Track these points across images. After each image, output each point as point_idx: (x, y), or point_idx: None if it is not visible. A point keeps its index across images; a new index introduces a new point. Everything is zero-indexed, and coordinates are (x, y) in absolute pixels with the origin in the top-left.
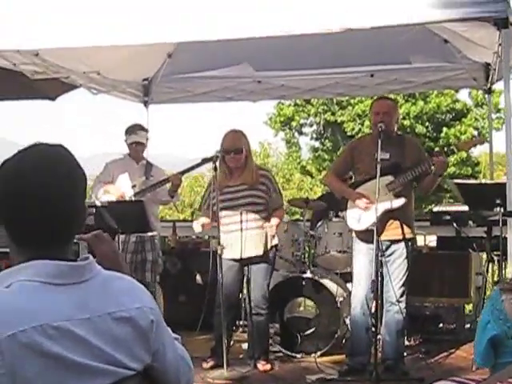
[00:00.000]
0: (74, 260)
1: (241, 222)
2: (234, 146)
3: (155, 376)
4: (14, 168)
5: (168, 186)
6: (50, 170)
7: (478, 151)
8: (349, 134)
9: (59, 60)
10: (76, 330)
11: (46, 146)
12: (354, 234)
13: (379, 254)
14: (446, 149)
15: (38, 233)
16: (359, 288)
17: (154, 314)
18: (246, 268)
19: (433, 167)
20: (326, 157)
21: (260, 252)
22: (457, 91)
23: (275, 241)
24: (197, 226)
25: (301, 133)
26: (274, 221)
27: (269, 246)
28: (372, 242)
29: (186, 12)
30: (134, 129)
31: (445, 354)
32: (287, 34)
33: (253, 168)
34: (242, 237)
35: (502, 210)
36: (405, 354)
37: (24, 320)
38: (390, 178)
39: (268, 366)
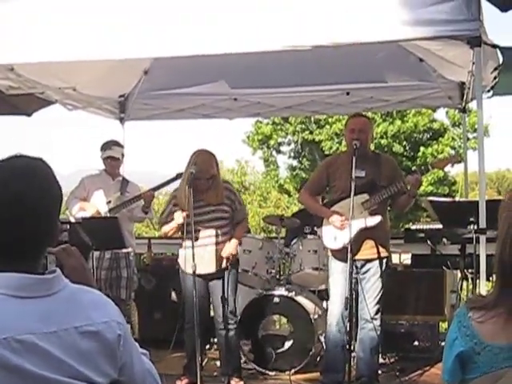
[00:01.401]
0: (41, 273)
1: (203, 238)
2: (208, 174)
3: None
4: None
5: (142, 202)
6: (25, 185)
7: (456, 170)
8: (326, 152)
9: (34, 75)
10: (41, 344)
11: (25, 159)
12: (329, 253)
13: (353, 272)
14: (421, 167)
15: (7, 247)
16: (335, 306)
17: (122, 329)
18: (210, 284)
19: (408, 186)
20: (304, 175)
21: (221, 267)
22: (434, 111)
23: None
24: (178, 215)
25: (279, 151)
26: (233, 244)
27: (230, 262)
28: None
29: (163, 27)
30: (108, 144)
31: (419, 371)
32: (255, 51)
33: (219, 188)
34: (205, 252)
35: (475, 227)
36: (379, 371)
37: None
38: (365, 196)
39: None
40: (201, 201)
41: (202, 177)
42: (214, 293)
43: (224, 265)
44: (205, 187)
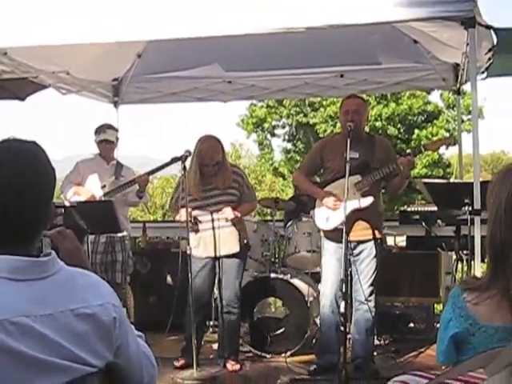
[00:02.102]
0: (36, 256)
1: (213, 220)
2: (214, 160)
3: (118, 373)
4: None
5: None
6: (18, 167)
7: (450, 153)
8: (321, 135)
9: (28, 59)
10: (36, 326)
11: (18, 142)
12: (322, 234)
13: (348, 253)
14: (415, 149)
15: (3, 228)
16: (328, 287)
17: (117, 311)
18: (217, 267)
19: (401, 167)
20: (298, 158)
21: (233, 250)
22: (428, 93)
23: (246, 239)
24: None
25: (273, 134)
26: (236, 212)
27: (241, 244)
28: (340, 242)
29: (157, 10)
30: (102, 128)
31: (415, 353)
32: (249, 33)
33: (227, 172)
34: (214, 235)
35: (470, 208)
36: (375, 353)
37: None
38: (358, 177)
39: (237, 366)
40: (209, 184)
41: (209, 163)
42: (225, 276)
43: (238, 248)
44: (212, 173)
